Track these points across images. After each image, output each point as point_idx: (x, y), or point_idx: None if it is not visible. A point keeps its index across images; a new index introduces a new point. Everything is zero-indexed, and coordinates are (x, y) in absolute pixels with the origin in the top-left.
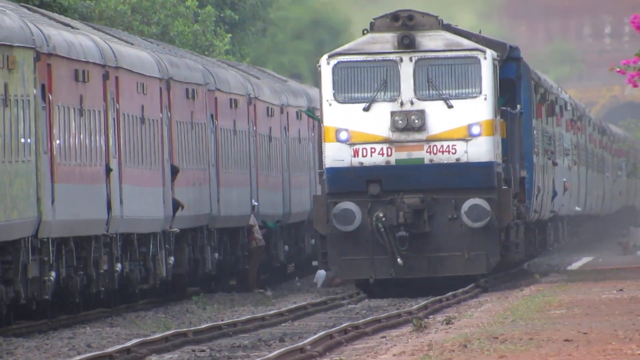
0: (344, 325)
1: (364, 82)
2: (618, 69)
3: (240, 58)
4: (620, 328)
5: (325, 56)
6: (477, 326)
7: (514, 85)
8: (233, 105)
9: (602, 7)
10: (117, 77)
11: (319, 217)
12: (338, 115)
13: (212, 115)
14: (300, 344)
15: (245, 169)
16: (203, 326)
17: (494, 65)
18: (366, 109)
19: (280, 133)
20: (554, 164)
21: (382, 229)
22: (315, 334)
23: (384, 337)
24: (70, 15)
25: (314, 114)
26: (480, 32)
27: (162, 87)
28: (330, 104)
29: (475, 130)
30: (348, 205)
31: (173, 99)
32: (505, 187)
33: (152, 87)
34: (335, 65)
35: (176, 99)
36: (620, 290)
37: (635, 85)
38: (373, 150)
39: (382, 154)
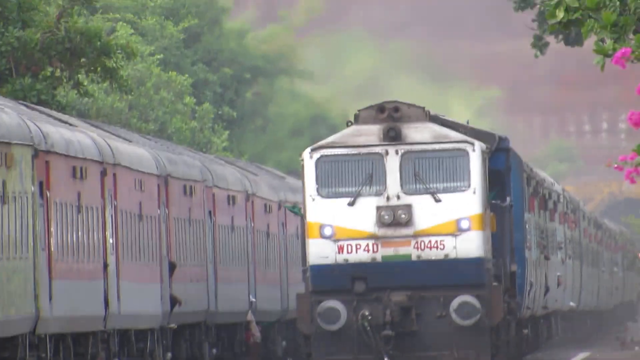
0: None
1: (348, 176)
2: (615, 165)
3: (238, 155)
4: None
5: (308, 149)
6: None
7: (503, 177)
8: (231, 202)
9: (600, 103)
10: (114, 174)
11: (302, 316)
12: (322, 211)
13: (210, 212)
14: None
15: (244, 265)
16: None
17: (483, 158)
18: (351, 204)
19: (278, 229)
20: (547, 258)
21: (368, 328)
22: None
23: None
24: (68, 112)
25: (299, 210)
26: (467, 123)
27: (160, 184)
28: (313, 199)
29: (465, 225)
30: (333, 303)
31: (171, 195)
32: (496, 283)
33: (150, 183)
34: (318, 159)
35: (174, 195)
36: None
37: (633, 182)
38: (358, 246)
39: (368, 250)
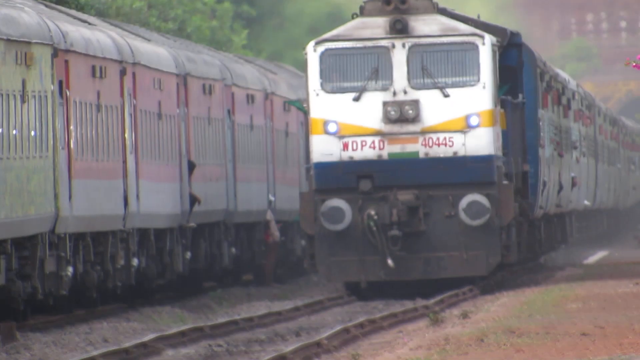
0: (360, 319)
1: (353, 70)
2: (634, 64)
3: (257, 53)
4: (637, 322)
5: (312, 42)
6: (493, 320)
7: (516, 73)
8: (250, 101)
9: (618, 3)
10: (134, 73)
11: (305, 215)
12: (326, 106)
13: (229, 111)
14: (317, 338)
15: (262, 165)
16: (219, 321)
17: (493, 52)
18: (356, 99)
19: (297, 128)
20: (560, 155)
21: (374, 228)
22: (331, 328)
23: (401, 331)
24: (87, 12)
25: (301, 105)
26: (478, 17)
27: (179, 83)
28: (317, 94)
29: (474, 121)
30: (337, 202)
31: (190, 94)
32: (507, 182)
33: (169, 82)
34: (322, 53)
35: (193, 94)
36: (637, 284)
37: None
38: (364, 143)
39: (374, 148)
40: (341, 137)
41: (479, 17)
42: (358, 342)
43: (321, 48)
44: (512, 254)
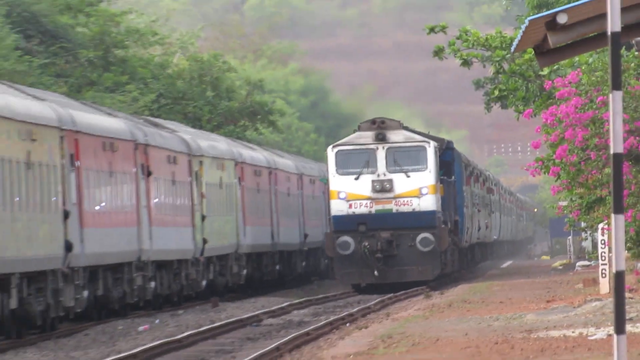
0: (376, 300)
1: (354, 162)
2: (525, 168)
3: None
4: (528, 296)
5: (331, 146)
6: (456, 296)
7: (450, 165)
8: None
9: (518, 138)
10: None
11: (328, 246)
12: (339, 183)
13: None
14: (366, 305)
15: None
16: (306, 298)
17: (436, 151)
18: (356, 179)
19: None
20: (479, 211)
21: (367, 253)
22: (354, 307)
23: (410, 301)
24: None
25: (326, 181)
26: (429, 133)
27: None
28: (334, 176)
29: (424, 191)
30: (346, 238)
31: (244, 175)
32: (444, 226)
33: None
34: (337, 152)
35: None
36: (528, 277)
37: (533, 175)
38: (361, 204)
39: (367, 207)
40: (348, 200)
41: (429, 132)
42: (388, 307)
43: (336, 149)
44: (448, 267)
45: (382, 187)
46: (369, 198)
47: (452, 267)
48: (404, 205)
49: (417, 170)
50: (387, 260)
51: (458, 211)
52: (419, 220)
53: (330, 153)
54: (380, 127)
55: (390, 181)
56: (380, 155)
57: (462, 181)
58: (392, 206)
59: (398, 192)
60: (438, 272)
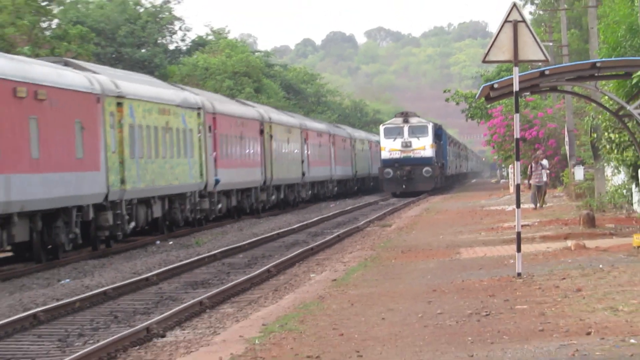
0: (403, 202)
1: (392, 132)
2: (482, 143)
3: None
4: (481, 194)
5: (381, 125)
6: (448, 196)
7: (441, 136)
8: (344, 141)
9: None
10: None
11: (381, 173)
12: (385, 143)
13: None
14: (399, 204)
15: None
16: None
17: (433, 128)
18: (394, 140)
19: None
20: (455, 159)
21: (399, 176)
22: (394, 204)
23: (425, 198)
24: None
25: (379, 143)
26: (430, 120)
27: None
28: (383, 139)
29: (427, 147)
30: (388, 169)
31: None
32: (436, 164)
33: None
34: (384, 128)
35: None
36: (481, 188)
37: (484, 145)
38: (395, 153)
39: (398, 154)
40: (389, 151)
41: (435, 123)
42: (413, 204)
43: (383, 126)
44: (439, 184)
45: (406, 145)
46: (399, 150)
47: (441, 184)
48: (417, 154)
49: (423, 136)
50: (408, 180)
51: (444, 158)
52: (424, 161)
53: (381, 128)
54: (405, 115)
55: (410, 142)
56: (405, 129)
57: (447, 144)
58: (411, 154)
59: (414, 147)
60: (432, 186)
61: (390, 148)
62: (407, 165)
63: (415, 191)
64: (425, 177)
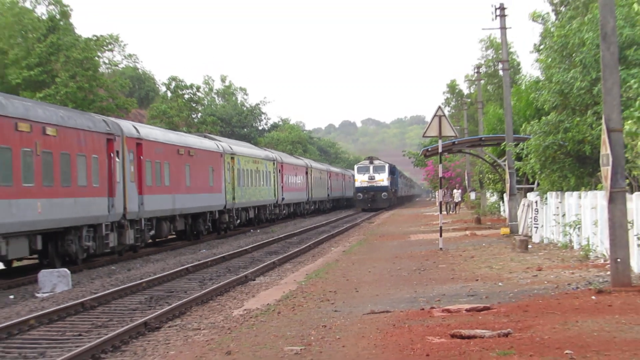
0: (374, 213)
1: (362, 169)
2: (423, 178)
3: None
4: (421, 206)
5: (355, 165)
6: (400, 209)
7: (394, 172)
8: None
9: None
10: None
11: (355, 195)
12: (357, 176)
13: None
14: (363, 217)
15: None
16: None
17: (389, 167)
18: (363, 175)
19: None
20: (404, 187)
21: (366, 198)
22: (363, 217)
23: (382, 212)
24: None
25: (354, 177)
26: (390, 163)
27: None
28: (356, 173)
29: (384, 179)
30: (360, 193)
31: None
32: (391, 190)
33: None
34: (357, 167)
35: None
36: (421, 203)
37: (423, 178)
38: (364, 182)
39: (366, 183)
40: (360, 182)
41: (390, 163)
42: (375, 216)
43: (357, 166)
44: (393, 203)
45: (371, 178)
46: (367, 181)
47: (395, 203)
48: (378, 183)
49: (382, 172)
50: (373, 201)
51: (396, 186)
52: (382, 188)
53: (355, 166)
54: (371, 159)
55: (374, 176)
56: (371, 167)
57: (398, 177)
58: (374, 184)
59: (376, 179)
60: (389, 204)
61: (361, 180)
62: (372, 191)
63: (378, 207)
64: (384, 198)
